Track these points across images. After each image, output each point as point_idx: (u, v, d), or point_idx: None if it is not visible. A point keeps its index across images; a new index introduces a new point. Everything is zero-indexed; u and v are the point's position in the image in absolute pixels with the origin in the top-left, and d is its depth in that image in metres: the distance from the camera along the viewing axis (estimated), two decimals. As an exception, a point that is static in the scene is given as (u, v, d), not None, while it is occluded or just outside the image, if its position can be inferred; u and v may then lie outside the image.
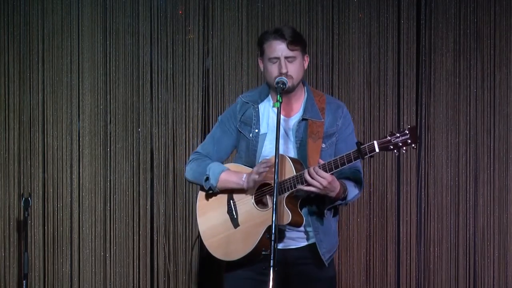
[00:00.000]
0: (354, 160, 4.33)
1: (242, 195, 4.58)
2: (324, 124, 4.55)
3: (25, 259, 5.92)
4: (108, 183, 6.32)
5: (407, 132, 4.28)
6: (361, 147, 4.29)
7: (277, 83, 4.43)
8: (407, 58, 6.35)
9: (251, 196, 4.55)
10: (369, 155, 4.29)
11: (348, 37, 6.35)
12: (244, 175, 4.52)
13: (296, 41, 4.50)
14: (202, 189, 4.67)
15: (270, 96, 4.61)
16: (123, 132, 6.33)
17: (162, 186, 6.28)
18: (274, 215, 4.19)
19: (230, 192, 4.60)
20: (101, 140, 6.33)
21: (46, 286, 6.31)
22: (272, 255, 4.12)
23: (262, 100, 4.64)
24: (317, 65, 6.33)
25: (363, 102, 6.35)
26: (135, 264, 6.31)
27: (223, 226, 4.59)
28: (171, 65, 6.33)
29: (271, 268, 4.11)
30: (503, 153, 6.32)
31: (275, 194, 4.21)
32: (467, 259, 6.32)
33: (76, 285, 6.30)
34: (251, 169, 4.54)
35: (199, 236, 4.69)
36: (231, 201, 4.60)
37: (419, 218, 6.33)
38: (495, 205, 6.31)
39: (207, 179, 4.59)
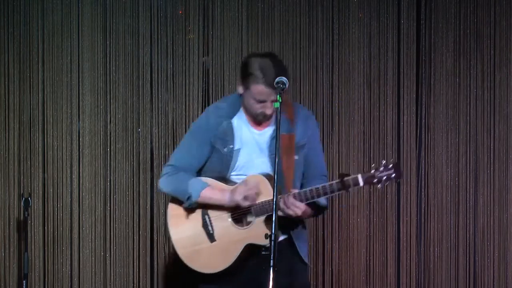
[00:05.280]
0: (337, 191, 4.40)
1: (218, 211, 4.63)
2: (295, 136, 4.59)
3: (25, 259, 5.92)
4: (108, 183, 6.32)
5: (391, 167, 4.32)
6: (345, 179, 4.32)
7: (277, 83, 4.44)
8: (407, 58, 6.35)
9: (227, 213, 4.59)
10: (352, 187, 4.34)
11: (348, 37, 6.35)
12: (228, 194, 4.57)
13: (284, 84, 4.46)
14: (173, 200, 4.73)
15: (242, 110, 4.66)
16: (123, 132, 6.33)
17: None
18: (274, 215, 4.21)
19: (203, 206, 4.65)
20: (101, 140, 6.33)
21: (46, 286, 6.31)
22: (272, 255, 4.14)
23: (234, 114, 4.67)
24: (317, 65, 6.33)
25: (363, 102, 6.35)
26: (135, 264, 6.31)
27: (197, 239, 4.64)
28: (171, 65, 6.33)
29: (271, 268, 4.13)
30: (503, 153, 6.32)
31: (275, 194, 4.23)
32: (467, 259, 6.32)
33: (76, 285, 6.30)
34: (223, 184, 4.61)
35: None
36: (206, 216, 4.65)
37: (419, 218, 6.34)
38: (495, 205, 6.31)
39: (189, 197, 4.64)
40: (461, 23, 6.33)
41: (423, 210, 6.34)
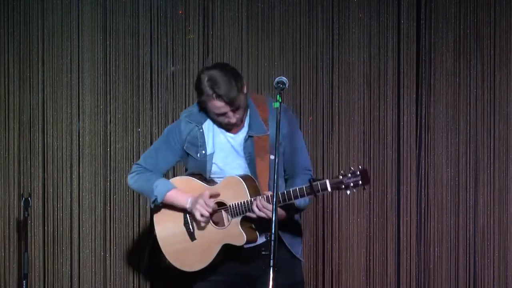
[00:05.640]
0: (307, 195, 4.45)
1: None
2: (269, 136, 4.61)
3: (25, 259, 5.92)
4: (108, 183, 6.32)
5: (358, 173, 4.36)
6: (313, 183, 4.39)
7: (277, 83, 4.45)
8: (407, 58, 6.35)
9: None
10: (321, 192, 4.39)
11: (348, 37, 6.35)
12: (189, 200, 4.62)
13: (236, 99, 4.50)
14: None
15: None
16: (123, 132, 6.33)
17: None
18: (274, 215, 4.22)
19: None
20: (101, 140, 6.33)
21: (46, 286, 6.31)
22: (272, 255, 4.15)
23: (205, 120, 4.68)
24: (317, 65, 6.33)
25: (363, 102, 6.35)
26: (135, 264, 6.31)
27: (180, 237, 4.68)
28: (171, 65, 6.33)
29: (271, 268, 4.13)
30: (503, 153, 6.32)
31: (274, 194, 4.24)
32: (467, 259, 6.32)
33: (76, 285, 6.30)
34: (200, 183, 4.64)
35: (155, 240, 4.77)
36: (187, 214, 4.67)
37: (419, 218, 6.33)
38: (495, 205, 6.31)
39: (155, 199, 4.71)
40: (461, 23, 6.33)
41: (423, 210, 6.34)
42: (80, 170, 6.32)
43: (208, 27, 6.35)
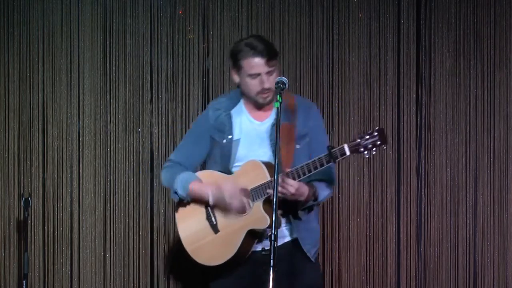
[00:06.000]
0: (326, 164, 4.44)
1: None
2: (295, 126, 4.61)
3: (25, 259, 5.91)
4: (108, 183, 6.32)
5: (376, 133, 4.35)
6: (332, 150, 4.37)
7: (277, 83, 4.46)
8: (407, 58, 6.35)
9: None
10: (340, 158, 4.38)
11: (348, 37, 6.35)
12: (210, 192, 4.60)
13: (274, 56, 4.57)
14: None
15: (242, 102, 4.70)
16: (123, 132, 6.33)
17: (162, 186, 6.28)
18: (274, 214, 4.21)
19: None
20: (101, 140, 6.33)
21: (46, 286, 6.31)
22: (272, 255, 4.14)
23: (233, 106, 4.69)
24: (317, 65, 6.33)
25: (363, 102, 6.35)
26: (135, 264, 6.31)
27: (203, 232, 4.65)
28: (171, 65, 6.33)
29: (271, 268, 4.13)
30: (503, 153, 6.32)
31: (274, 194, 4.24)
32: (467, 259, 6.32)
33: (76, 285, 6.30)
34: (224, 175, 4.63)
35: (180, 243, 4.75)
36: (209, 207, 4.66)
37: (419, 218, 6.33)
38: (495, 205, 6.31)
39: (175, 192, 4.70)
40: (461, 23, 6.33)
41: (423, 210, 6.34)
42: (80, 170, 6.32)
43: (208, 27, 6.34)
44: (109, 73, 6.33)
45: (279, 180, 4.39)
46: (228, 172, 4.67)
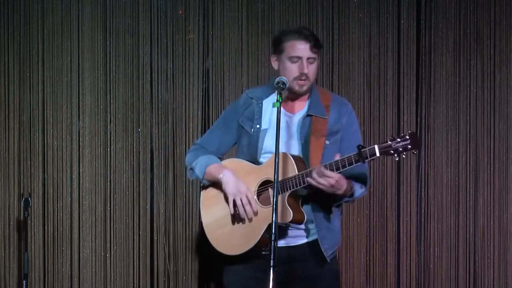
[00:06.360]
0: (355, 163, 4.38)
1: None
2: (328, 121, 4.59)
3: (25, 259, 5.91)
4: (108, 183, 6.31)
5: (408, 137, 4.31)
6: (362, 150, 4.33)
7: (277, 83, 4.46)
8: (407, 58, 6.35)
9: (254, 192, 4.58)
10: (369, 158, 4.34)
11: (348, 37, 6.35)
12: (221, 175, 4.59)
13: (318, 44, 4.63)
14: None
15: (275, 93, 4.61)
16: (123, 132, 6.33)
17: (162, 186, 6.28)
18: (274, 214, 4.20)
19: None
20: (101, 140, 6.33)
21: (46, 286, 6.31)
22: (272, 255, 4.13)
23: (266, 97, 4.68)
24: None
25: (363, 102, 6.35)
26: (135, 264, 6.31)
27: (226, 220, 4.62)
28: (171, 65, 6.33)
29: (271, 268, 4.12)
30: (503, 153, 6.32)
31: (275, 193, 4.23)
32: (467, 259, 6.32)
33: (76, 285, 6.30)
34: (251, 164, 4.60)
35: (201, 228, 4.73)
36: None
37: (419, 218, 6.33)
38: (495, 205, 6.31)
39: (191, 169, 4.70)
40: (461, 23, 6.33)
41: (423, 210, 6.34)
42: (80, 170, 6.32)
43: (208, 27, 6.34)
44: (109, 73, 6.33)
45: (319, 170, 4.36)
46: (256, 162, 4.62)
